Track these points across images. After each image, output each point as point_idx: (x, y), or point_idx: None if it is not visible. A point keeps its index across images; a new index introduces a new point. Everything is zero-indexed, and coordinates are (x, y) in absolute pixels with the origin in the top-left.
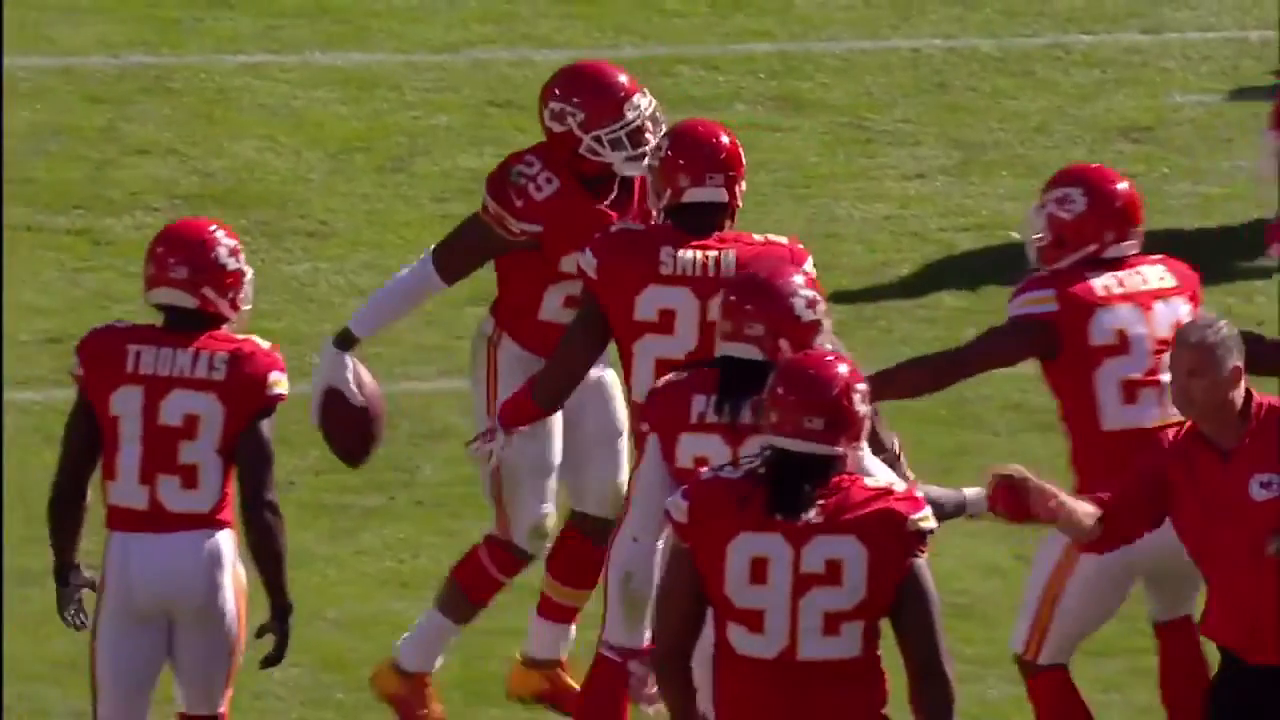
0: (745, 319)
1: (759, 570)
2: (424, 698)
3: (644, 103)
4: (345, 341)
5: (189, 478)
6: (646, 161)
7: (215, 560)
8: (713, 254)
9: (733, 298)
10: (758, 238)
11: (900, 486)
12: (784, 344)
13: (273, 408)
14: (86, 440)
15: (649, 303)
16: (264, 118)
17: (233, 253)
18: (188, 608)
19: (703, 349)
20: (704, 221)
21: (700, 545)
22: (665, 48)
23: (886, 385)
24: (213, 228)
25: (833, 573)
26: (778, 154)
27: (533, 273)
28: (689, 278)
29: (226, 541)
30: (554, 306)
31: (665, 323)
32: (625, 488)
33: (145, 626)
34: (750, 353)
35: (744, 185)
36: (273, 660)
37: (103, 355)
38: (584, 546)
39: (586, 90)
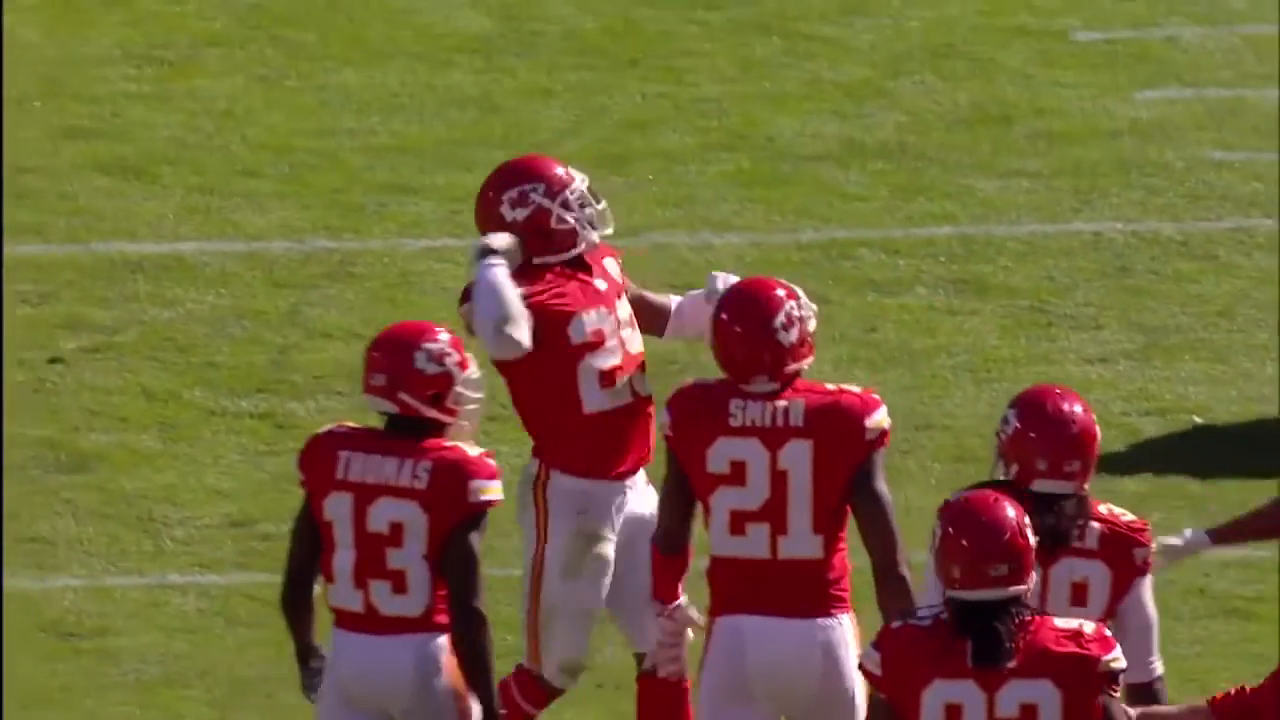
0: None
1: (953, 717)
2: None
3: (576, 173)
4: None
5: (399, 583)
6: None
7: (426, 663)
8: (781, 404)
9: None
10: (830, 387)
11: (1090, 627)
12: None
13: (476, 516)
14: (309, 542)
15: (720, 455)
16: (446, 301)
17: (435, 357)
18: (399, 708)
19: (775, 500)
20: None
21: (895, 695)
22: (846, 231)
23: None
24: (420, 331)
25: (1027, 717)
26: (958, 338)
27: (558, 371)
28: (758, 429)
29: (438, 645)
30: (594, 393)
31: (736, 474)
32: None
33: (363, 718)
34: None
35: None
36: None
37: (319, 460)
38: (664, 686)
39: (532, 169)
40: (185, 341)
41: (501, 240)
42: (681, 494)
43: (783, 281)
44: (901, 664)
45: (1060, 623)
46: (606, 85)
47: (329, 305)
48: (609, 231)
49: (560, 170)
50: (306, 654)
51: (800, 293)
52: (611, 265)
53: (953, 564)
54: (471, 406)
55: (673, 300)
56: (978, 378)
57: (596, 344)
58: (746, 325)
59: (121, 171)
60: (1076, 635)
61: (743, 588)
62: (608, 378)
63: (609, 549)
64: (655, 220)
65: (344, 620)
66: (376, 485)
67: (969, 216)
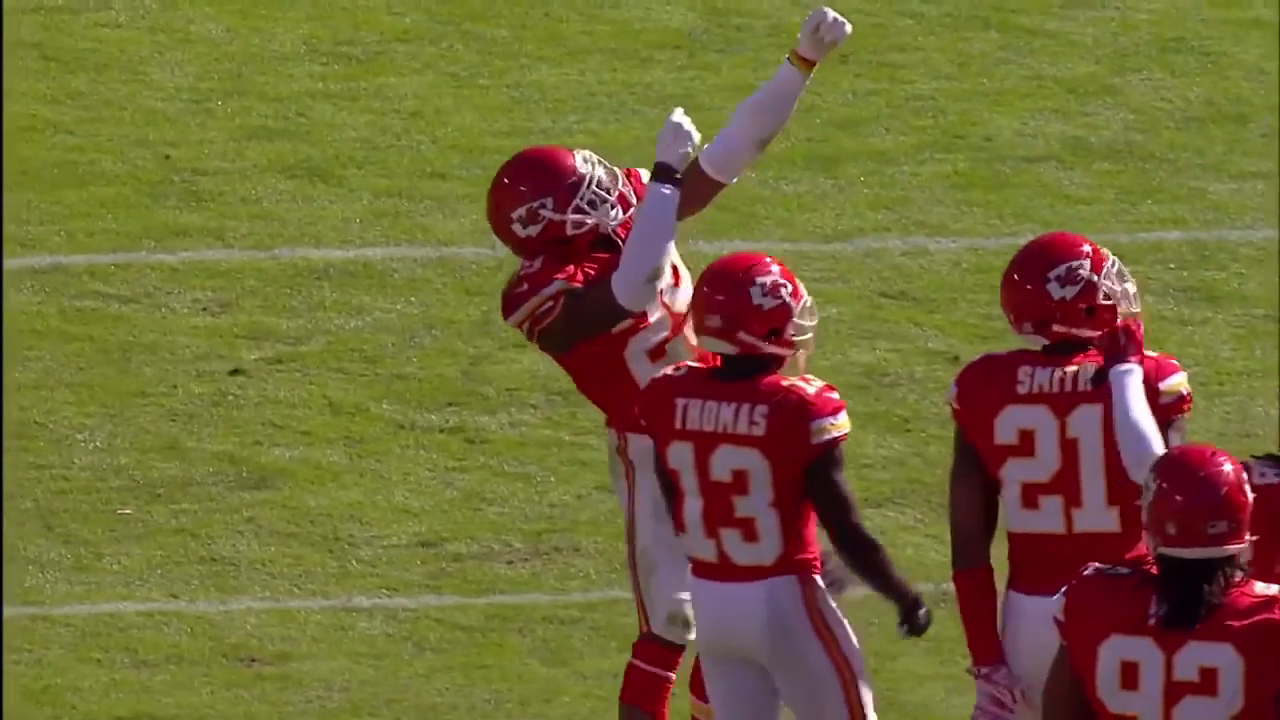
0: None
1: (1129, 675)
2: None
3: (585, 154)
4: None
5: (748, 531)
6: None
7: (779, 607)
8: (1071, 369)
9: None
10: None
11: None
12: None
13: (825, 455)
14: (669, 488)
15: (1008, 425)
16: None
17: (771, 290)
18: (764, 655)
19: (1066, 470)
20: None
21: (1075, 645)
22: None
23: None
24: (752, 264)
25: (1207, 682)
26: (1188, 348)
27: (606, 360)
28: (1046, 395)
29: (793, 588)
30: (646, 370)
31: (1025, 444)
32: None
33: (733, 665)
34: None
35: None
36: (915, 632)
37: (658, 408)
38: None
39: (539, 178)
40: (372, 352)
41: (678, 151)
42: (972, 475)
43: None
44: (1083, 613)
45: (1259, 588)
46: (816, 82)
47: None
48: (626, 216)
49: (569, 173)
50: None
51: (1110, 262)
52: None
53: (1167, 520)
54: (807, 336)
55: (704, 158)
56: (1209, 391)
57: (639, 325)
58: (1022, 271)
59: (307, 174)
60: (1270, 602)
61: (1039, 564)
62: (658, 352)
63: None
64: (866, 224)
65: (700, 569)
66: (715, 433)
67: (1200, 220)
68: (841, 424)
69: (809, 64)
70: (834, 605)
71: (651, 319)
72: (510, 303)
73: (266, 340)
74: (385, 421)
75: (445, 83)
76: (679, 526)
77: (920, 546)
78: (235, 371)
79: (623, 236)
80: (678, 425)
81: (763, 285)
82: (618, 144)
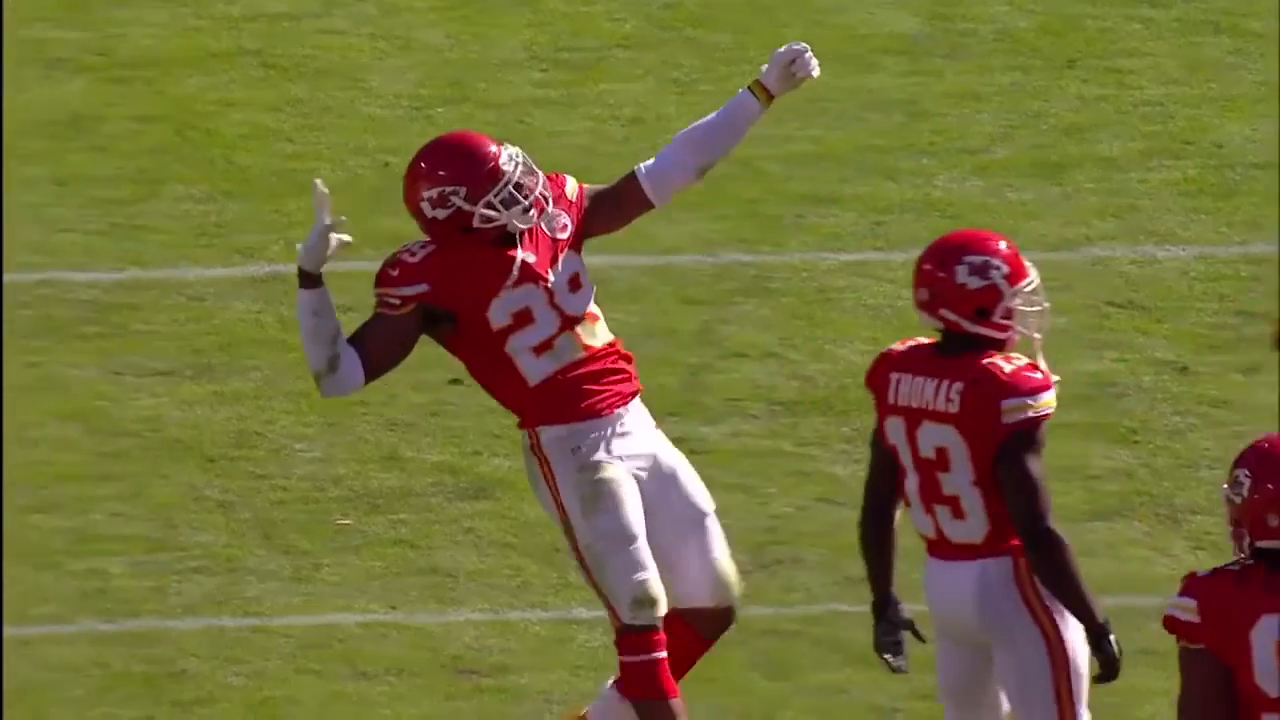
0: None
1: None
2: None
3: (511, 152)
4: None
5: (955, 508)
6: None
7: (986, 588)
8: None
9: None
10: None
11: None
12: None
13: (1017, 436)
14: (879, 466)
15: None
16: (867, 319)
17: (979, 270)
18: (979, 635)
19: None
20: None
21: (1220, 640)
22: None
23: None
24: (967, 241)
25: None
26: None
27: (488, 353)
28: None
29: (1004, 570)
30: (533, 365)
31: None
32: (727, 568)
33: (959, 646)
34: None
35: None
36: (1104, 678)
37: (878, 382)
38: (689, 637)
39: (458, 165)
40: None
41: (312, 258)
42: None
43: None
44: (1223, 606)
45: None
46: (1042, 88)
47: (744, 323)
48: (537, 219)
49: (488, 166)
50: (883, 605)
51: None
52: (552, 221)
53: (1269, 513)
54: (1031, 319)
55: (641, 172)
56: None
57: (522, 323)
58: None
59: None
60: None
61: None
62: (544, 348)
63: (613, 473)
64: (1094, 232)
65: (927, 545)
66: (919, 409)
67: None
68: (1040, 404)
69: (770, 97)
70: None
71: (538, 319)
72: (379, 275)
73: None
74: None
75: (666, 89)
76: (903, 500)
77: (1147, 560)
78: (454, 381)
79: (525, 241)
80: (890, 400)
81: (970, 264)
82: (841, 150)
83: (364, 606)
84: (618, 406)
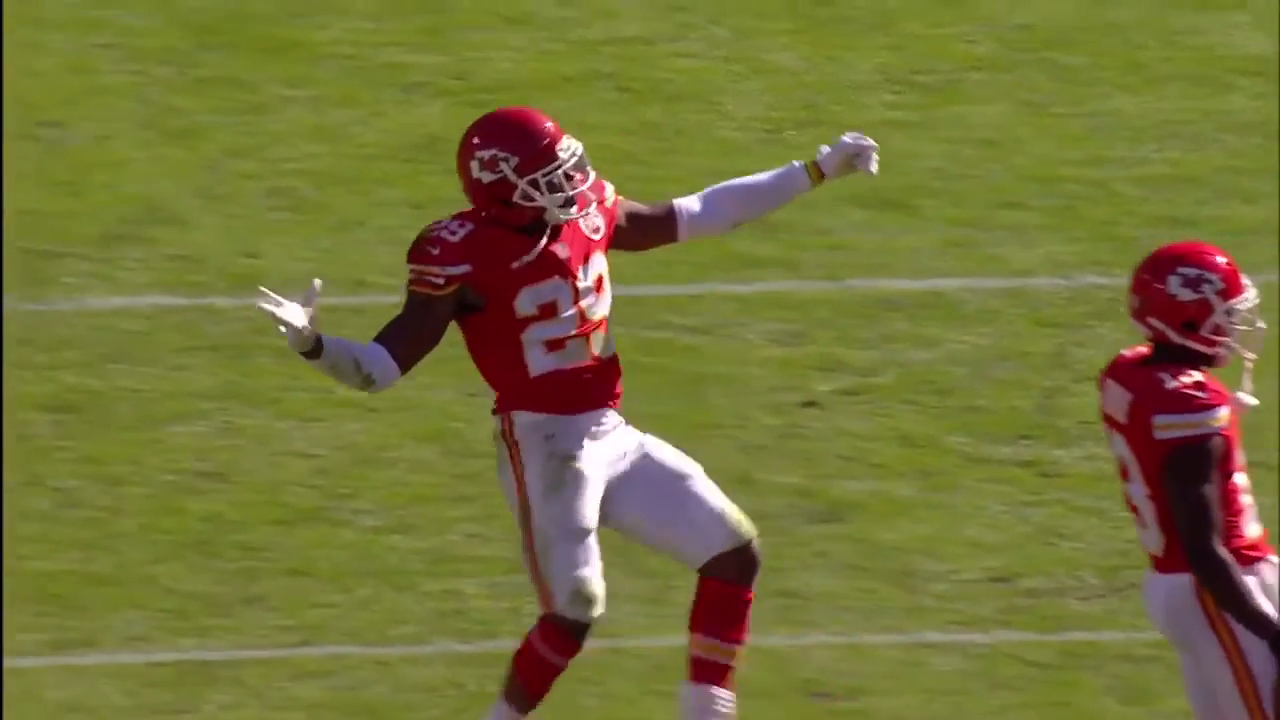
0: None
1: None
2: None
3: (572, 144)
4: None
5: (1140, 519)
6: None
7: (1176, 603)
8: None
9: None
10: None
11: None
12: None
13: (1176, 453)
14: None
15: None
16: None
17: (1191, 282)
18: (1178, 647)
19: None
20: None
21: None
22: None
23: None
24: (1183, 254)
25: None
26: None
27: (502, 337)
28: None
29: (1186, 586)
30: (540, 358)
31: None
32: (731, 507)
33: (1176, 647)
34: None
35: None
36: None
37: (1099, 389)
38: (727, 590)
39: (517, 135)
40: (945, 384)
41: (299, 342)
42: None
43: None
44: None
45: None
46: None
47: (1098, 346)
48: (574, 215)
49: (544, 143)
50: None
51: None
52: (590, 218)
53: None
54: (1243, 337)
55: (676, 204)
56: None
57: (546, 316)
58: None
59: (880, 204)
60: None
61: None
62: (556, 345)
63: (585, 468)
64: None
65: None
66: (1110, 417)
67: None
68: (1197, 423)
69: (822, 178)
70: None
71: (561, 314)
72: (416, 252)
73: (838, 372)
74: (957, 455)
75: (1020, 111)
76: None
77: None
78: (807, 404)
79: (560, 235)
80: (1101, 405)
81: (1184, 275)
82: (1197, 172)
83: None
84: (601, 407)
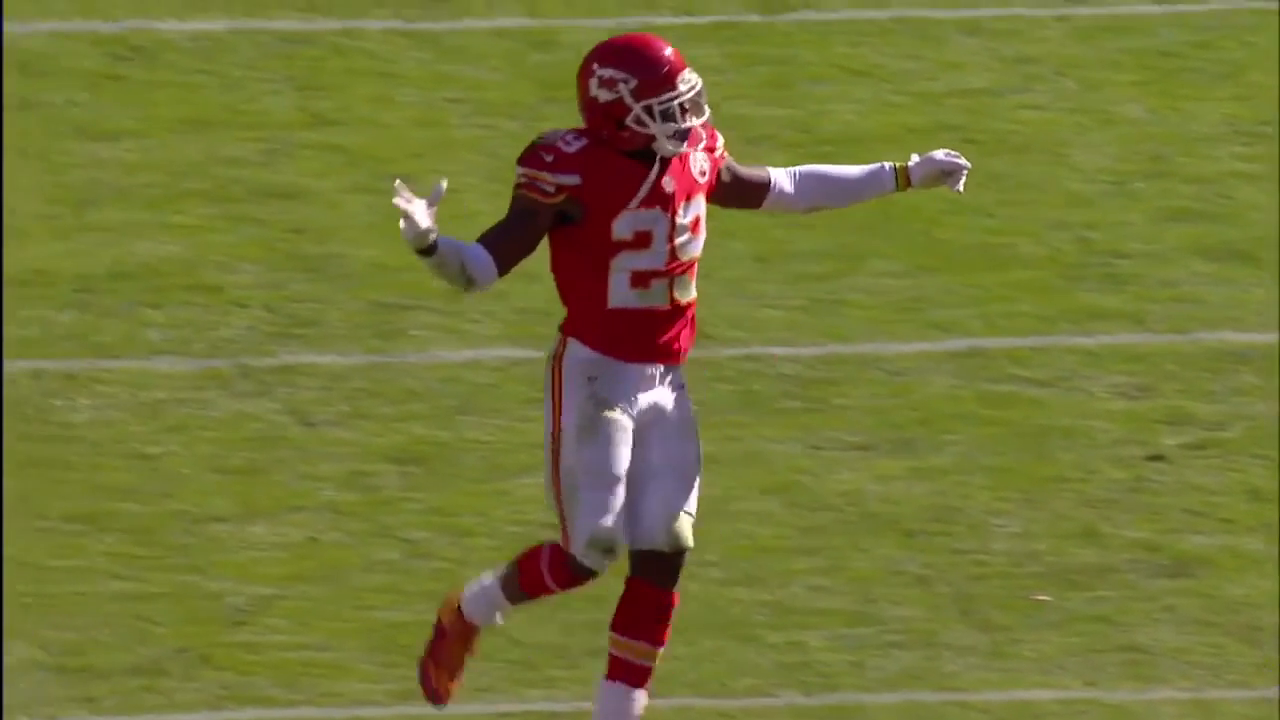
0: None
1: None
2: (469, 644)
3: (693, 78)
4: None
5: None
6: None
7: None
8: None
9: None
10: None
11: None
12: None
13: None
14: None
15: None
16: None
17: None
18: None
19: None
20: None
21: None
22: None
23: None
24: None
25: None
26: None
27: (592, 259)
28: None
29: None
30: (622, 291)
31: None
32: (688, 526)
33: None
34: None
35: None
36: None
37: None
38: (652, 592)
39: (639, 59)
40: None
41: (418, 239)
42: None
43: None
44: None
45: None
46: None
47: None
48: (684, 150)
49: (664, 71)
50: None
51: None
52: (698, 160)
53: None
54: None
55: (771, 173)
56: None
57: (639, 245)
58: None
59: (1228, 255)
60: None
61: None
62: (640, 279)
63: (619, 415)
64: None
65: None
66: None
67: None
68: None
69: (909, 185)
70: None
71: (654, 246)
72: (528, 156)
73: (1186, 425)
74: None
75: None
76: None
77: None
78: (1154, 458)
79: (668, 168)
80: None
81: None
82: None
83: (1062, 683)
84: (655, 360)
